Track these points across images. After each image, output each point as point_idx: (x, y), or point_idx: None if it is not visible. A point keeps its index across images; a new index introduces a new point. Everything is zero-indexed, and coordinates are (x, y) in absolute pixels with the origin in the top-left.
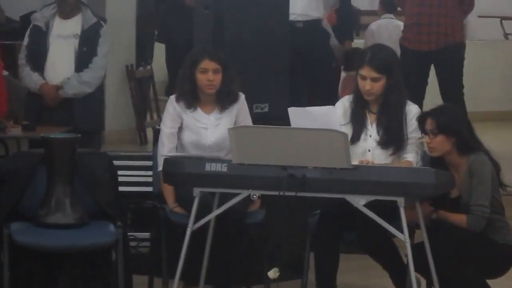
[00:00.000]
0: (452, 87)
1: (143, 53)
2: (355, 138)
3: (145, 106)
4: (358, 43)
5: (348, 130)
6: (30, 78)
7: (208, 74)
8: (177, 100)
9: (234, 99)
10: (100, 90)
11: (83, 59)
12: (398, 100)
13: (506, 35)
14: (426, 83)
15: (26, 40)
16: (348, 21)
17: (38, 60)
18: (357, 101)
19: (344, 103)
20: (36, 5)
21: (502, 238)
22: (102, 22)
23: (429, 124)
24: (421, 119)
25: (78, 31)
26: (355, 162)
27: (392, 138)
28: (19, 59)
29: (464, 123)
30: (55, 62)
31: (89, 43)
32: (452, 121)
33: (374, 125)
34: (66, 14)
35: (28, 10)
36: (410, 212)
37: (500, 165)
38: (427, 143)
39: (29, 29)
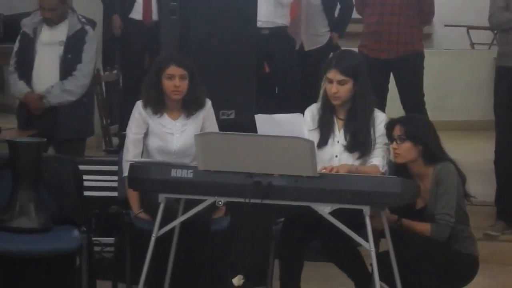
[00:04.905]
0: (412, 95)
1: (110, 57)
2: (322, 143)
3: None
4: None
5: (316, 135)
6: (16, 87)
7: (175, 80)
8: (144, 106)
9: (200, 105)
10: (88, 96)
11: (68, 67)
12: (366, 106)
13: (472, 45)
14: (387, 90)
15: (16, 46)
16: (345, 15)
17: (25, 68)
18: (325, 107)
19: (312, 110)
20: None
21: (466, 248)
22: (88, 27)
23: (397, 130)
24: (389, 126)
25: (63, 37)
26: (320, 167)
27: (359, 143)
28: (10, 65)
29: (432, 133)
30: (41, 70)
31: (74, 50)
32: (420, 129)
33: (342, 131)
34: (52, 21)
35: (17, 10)
36: (374, 220)
37: (465, 175)
38: (393, 148)
39: (19, 35)
